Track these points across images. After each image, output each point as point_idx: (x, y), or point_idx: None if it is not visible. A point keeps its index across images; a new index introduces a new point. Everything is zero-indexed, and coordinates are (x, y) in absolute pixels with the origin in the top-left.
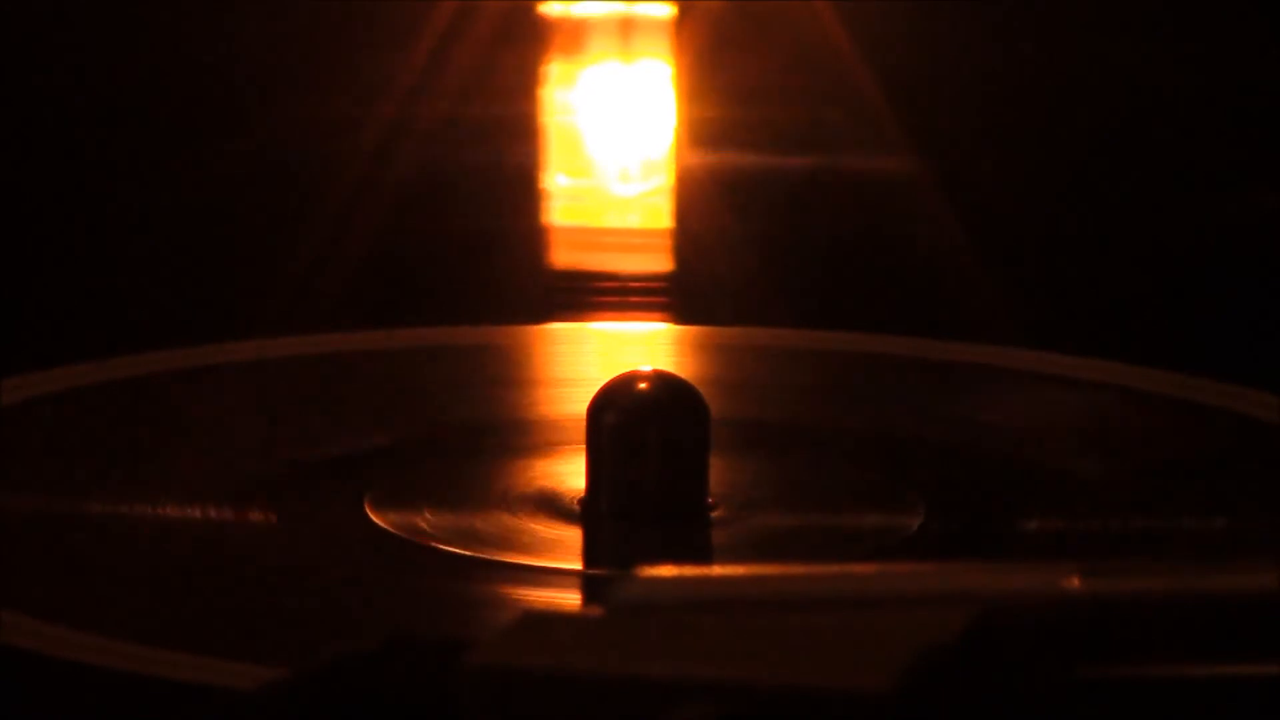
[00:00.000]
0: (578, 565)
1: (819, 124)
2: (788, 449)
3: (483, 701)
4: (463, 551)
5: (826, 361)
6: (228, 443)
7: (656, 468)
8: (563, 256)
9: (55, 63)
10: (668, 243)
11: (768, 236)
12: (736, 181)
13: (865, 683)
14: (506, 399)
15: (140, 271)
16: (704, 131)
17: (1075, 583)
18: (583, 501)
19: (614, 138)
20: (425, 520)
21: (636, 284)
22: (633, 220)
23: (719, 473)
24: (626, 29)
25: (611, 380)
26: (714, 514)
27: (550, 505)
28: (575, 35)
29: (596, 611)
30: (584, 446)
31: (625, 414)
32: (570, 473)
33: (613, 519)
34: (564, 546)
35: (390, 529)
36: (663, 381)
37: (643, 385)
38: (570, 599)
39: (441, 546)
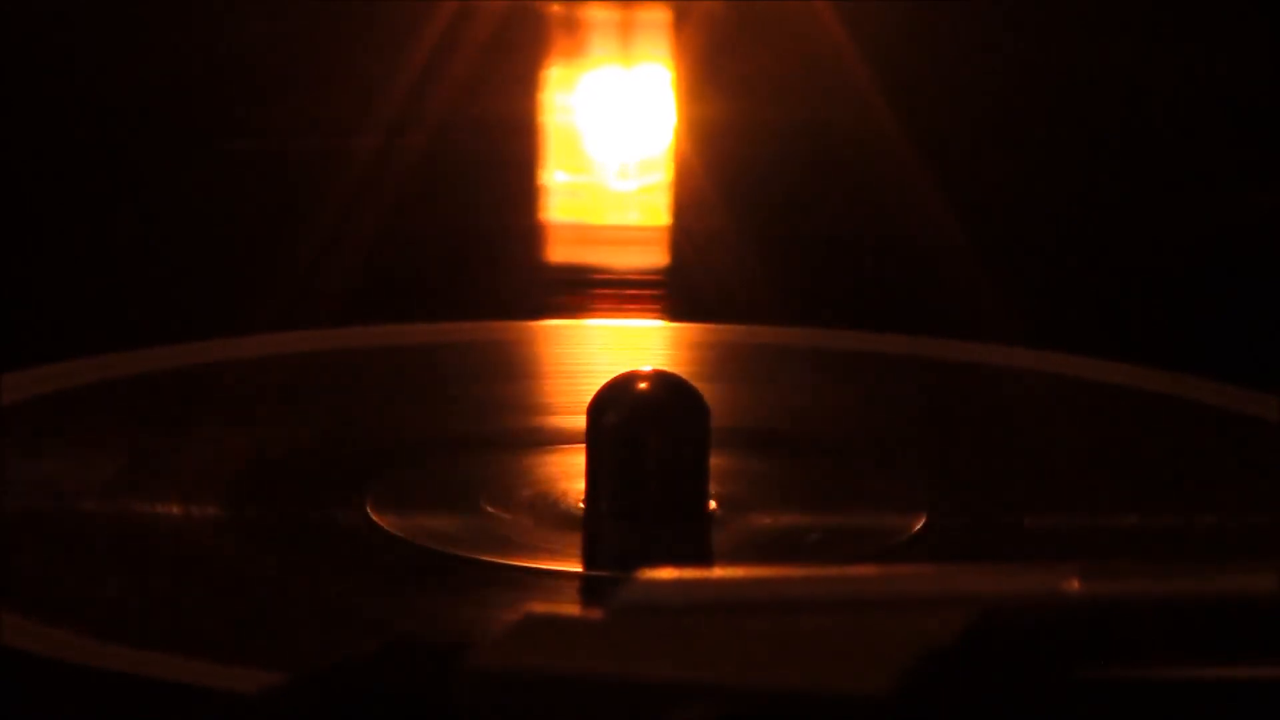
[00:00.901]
0: (578, 567)
1: (819, 124)
2: (787, 449)
3: (483, 704)
4: (463, 553)
5: (826, 361)
6: (227, 442)
7: (656, 468)
8: (561, 253)
9: (56, 63)
10: (666, 239)
11: (767, 235)
12: (735, 179)
13: (865, 685)
14: (506, 397)
15: (140, 270)
16: (703, 130)
17: (1075, 584)
18: (583, 502)
19: (612, 134)
20: (425, 521)
21: (634, 281)
22: (631, 217)
23: (719, 473)
24: (626, 29)
25: (611, 380)
26: (714, 514)
27: (550, 506)
28: (575, 34)
29: (597, 614)
30: (584, 446)
31: (625, 414)
32: (570, 473)
33: (613, 520)
34: (564, 548)
35: (390, 529)
36: (663, 381)
37: (643, 385)
38: (571, 601)
39: (442, 548)
